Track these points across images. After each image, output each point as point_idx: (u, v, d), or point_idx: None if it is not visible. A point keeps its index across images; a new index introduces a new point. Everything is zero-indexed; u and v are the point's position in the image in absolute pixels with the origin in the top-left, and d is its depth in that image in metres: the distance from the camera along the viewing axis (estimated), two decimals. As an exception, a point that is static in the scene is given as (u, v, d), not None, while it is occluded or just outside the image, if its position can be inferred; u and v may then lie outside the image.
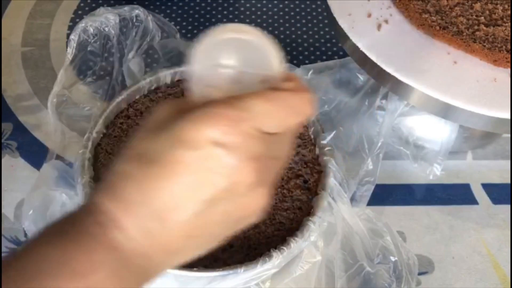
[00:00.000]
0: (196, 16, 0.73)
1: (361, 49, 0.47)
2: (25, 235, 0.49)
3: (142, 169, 0.24)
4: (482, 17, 0.48)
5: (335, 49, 0.69)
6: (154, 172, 0.24)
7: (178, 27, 0.69)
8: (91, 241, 0.24)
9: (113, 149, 0.48)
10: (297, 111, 0.26)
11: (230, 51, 0.27)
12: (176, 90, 0.53)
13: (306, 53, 0.68)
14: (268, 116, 0.25)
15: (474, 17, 0.48)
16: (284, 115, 0.26)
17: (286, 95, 0.26)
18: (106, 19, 0.58)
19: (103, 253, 0.24)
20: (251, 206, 0.26)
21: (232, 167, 0.24)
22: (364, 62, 0.47)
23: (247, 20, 0.72)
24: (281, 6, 0.75)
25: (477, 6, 0.49)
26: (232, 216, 0.26)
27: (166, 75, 0.53)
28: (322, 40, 0.70)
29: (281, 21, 0.73)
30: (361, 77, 0.58)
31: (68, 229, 0.25)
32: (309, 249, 0.44)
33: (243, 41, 0.26)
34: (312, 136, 0.50)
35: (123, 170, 0.25)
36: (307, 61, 0.67)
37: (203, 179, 0.24)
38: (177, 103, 0.27)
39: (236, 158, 0.24)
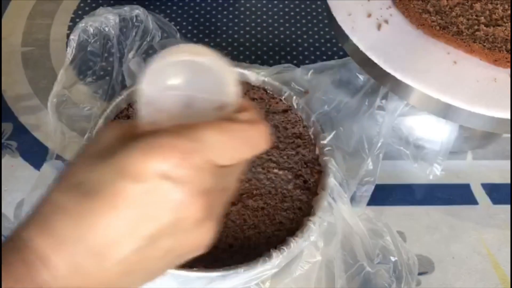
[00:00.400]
0: (196, 16, 0.73)
1: (361, 49, 0.47)
2: (25, 235, 0.49)
3: (78, 201, 0.22)
4: (482, 17, 0.48)
5: (335, 49, 0.69)
6: (92, 205, 0.22)
7: (178, 27, 0.69)
8: (16, 281, 0.22)
9: (113, 149, 0.48)
10: (252, 144, 0.25)
11: (184, 74, 0.25)
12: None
13: (306, 53, 0.68)
14: (221, 148, 0.23)
15: (474, 17, 0.48)
16: (238, 148, 0.24)
17: (242, 126, 0.24)
18: (106, 19, 0.58)
19: None
20: (196, 242, 0.25)
21: (179, 202, 0.23)
22: (364, 62, 0.47)
23: (247, 20, 0.72)
24: (281, 6, 0.75)
25: (477, 6, 0.49)
26: (175, 252, 0.24)
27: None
28: (322, 40, 0.70)
29: (281, 21, 0.73)
30: (361, 77, 0.58)
31: None
32: (309, 249, 0.44)
33: (198, 64, 0.24)
34: (312, 136, 0.50)
35: (58, 201, 0.23)
36: (307, 61, 0.67)
37: (146, 213, 0.22)
38: (124, 126, 0.25)
39: (184, 193, 0.22)
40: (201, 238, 0.25)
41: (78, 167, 0.24)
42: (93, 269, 0.23)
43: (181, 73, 0.25)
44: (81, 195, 0.22)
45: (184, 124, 0.23)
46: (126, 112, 0.51)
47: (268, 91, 0.54)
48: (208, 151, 0.23)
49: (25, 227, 0.23)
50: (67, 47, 0.58)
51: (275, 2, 0.76)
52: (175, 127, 0.23)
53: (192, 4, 0.74)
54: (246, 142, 0.24)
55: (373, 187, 0.50)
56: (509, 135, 0.59)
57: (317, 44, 0.69)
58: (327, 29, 0.71)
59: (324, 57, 0.68)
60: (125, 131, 0.24)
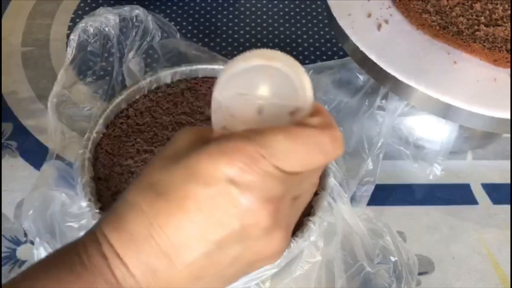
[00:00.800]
0: (196, 16, 0.73)
1: (361, 49, 0.47)
2: (25, 235, 0.49)
3: (151, 202, 0.23)
4: (482, 17, 0.48)
5: (335, 49, 0.69)
6: (163, 206, 0.23)
7: (178, 27, 0.69)
8: (91, 274, 0.23)
9: (113, 149, 0.48)
10: (323, 150, 0.23)
11: (257, 79, 0.24)
12: (176, 90, 0.53)
13: (306, 53, 0.68)
14: (291, 154, 0.23)
15: (474, 17, 0.48)
16: (308, 154, 0.23)
17: (313, 132, 0.23)
18: (106, 19, 0.58)
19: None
20: (265, 251, 0.24)
21: (246, 208, 0.22)
22: (364, 62, 0.47)
23: (247, 20, 0.72)
24: (281, 6, 0.75)
25: (477, 6, 0.49)
26: (244, 260, 0.24)
27: (166, 75, 0.53)
28: (322, 40, 0.70)
29: (281, 21, 0.73)
30: (361, 77, 0.58)
31: (68, 259, 0.23)
32: (309, 249, 0.44)
33: (271, 69, 0.24)
34: (312, 136, 0.50)
35: (132, 200, 0.24)
36: (307, 61, 0.67)
37: (214, 219, 0.22)
38: (198, 131, 0.25)
39: (251, 199, 0.22)
40: (270, 247, 0.24)
41: (153, 168, 0.24)
42: (163, 270, 0.23)
43: (254, 78, 0.24)
44: (154, 195, 0.23)
45: (255, 129, 0.23)
46: (126, 112, 0.51)
47: (268, 91, 0.54)
48: (276, 157, 0.22)
49: (103, 223, 0.24)
50: (67, 47, 0.58)
51: (275, 2, 0.76)
52: (245, 131, 0.23)
53: (192, 4, 0.74)
54: (317, 148, 0.23)
55: (373, 187, 0.50)
56: (509, 135, 0.59)
57: (317, 44, 0.69)
58: (327, 29, 0.71)
59: (324, 57, 0.68)
60: (199, 135, 0.25)
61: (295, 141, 0.23)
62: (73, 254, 0.23)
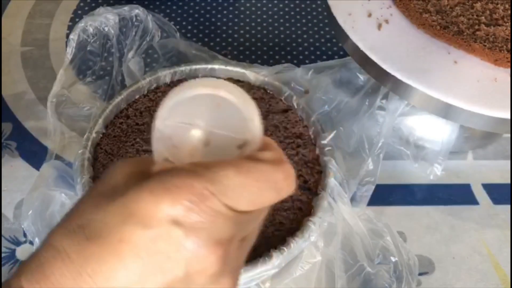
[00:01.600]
0: (196, 16, 0.73)
1: (361, 49, 0.47)
2: (25, 235, 0.49)
3: (80, 247, 0.20)
4: (483, 17, 0.48)
5: (335, 49, 0.69)
6: (94, 251, 0.20)
7: (177, 26, 0.69)
8: None
9: (112, 149, 0.48)
10: (277, 187, 0.22)
11: (203, 109, 0.23)
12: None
13: (306, 53, 0.68)
14: (241, 192, 0.21)
15: (474, 16, 0.48)
16: (260, 192, 0.21)
17: (265, 167, 0.21)
18: (106, 19, 0.58)
19: None
20: None
21: (192, 253, 0.20)
22: (365, 62, 0.47)
23: (247, 20, 0.72)
24: (281, 6, 0.75)
25: (478, 5, 0.49)
26: None
27: (165, 75, 0.53)
28: (322, 40, 0.70)
29: (281, 21, 0.73)
30: (361, 77, 0.58)
31: None
32: (309, 249, 0.44)
33: (218, 98, 0.22)
34: (312, 136, 0.50)
35: (57, 245, 0.20)
36: (307, 61, 0.67)
37: (154, 265, 0.20)
38: (137, 163, 0.23)
39: (197, 242, 0.20)
40: None
41: (83, 207, 0.21)
42: None
43: (200, 108, 0.23)
44: (83, 239, 0.20)
45: (201, 162, 0.21)
46: (126, 112, 0.51)
47: (268, 91, 0.54)
48: (224, 194, 0.20)
49: (20, 276, 0.21)
50: (66, 47, 0.58)
51: (275, 2, 0.75)
52: (191, 165, 0.21)
53: (192, 4, 0.74)
54: (270, 185, 0.22)
55: (373, 187, 0.50)
56: (509, 135, 0.59)
57: (317, 44, 0.69)
58: (327, 29, 0.71)
59: (324, 57, 0.68)
60: (138, 168, 0.22)
61: (246, 177, 0.21)
62: None
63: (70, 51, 0.57)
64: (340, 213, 0.46)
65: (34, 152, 0.56)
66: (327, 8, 0.51)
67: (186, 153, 0.23)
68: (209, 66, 0.54)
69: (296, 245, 0.42)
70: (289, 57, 0.67)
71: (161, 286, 0.20)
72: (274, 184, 0.22)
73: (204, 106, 0.23)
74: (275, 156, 0.22)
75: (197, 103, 0.23)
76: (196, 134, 0.23)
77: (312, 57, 0.68)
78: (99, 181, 0.23)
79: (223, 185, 0.20)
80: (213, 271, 0.20)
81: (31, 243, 0.47)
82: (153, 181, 0.20)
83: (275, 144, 0.23)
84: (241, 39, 0.69)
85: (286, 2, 0.76)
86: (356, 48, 0.47)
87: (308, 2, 0.76)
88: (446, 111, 0.44)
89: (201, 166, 0.21)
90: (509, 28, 0.47)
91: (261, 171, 0.21)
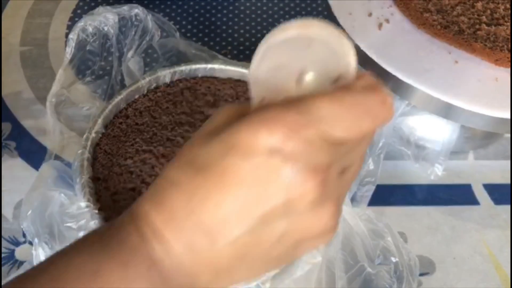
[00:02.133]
0: (196, 15, 0.72)
1: (361, 48, 0.46)
2: (24, 235, 0.49)
3: (191, 177, 0.22)
4: (484, 17, 0.48)
5: (335, 48, 0.68)
6: (203, 181, 0.21)
7: (177, 26, 0.69)
8: (129, 253, 0.22)
9: (112, 149, 0.47)
10: (372, 114, 0.22)
11: (296, 49, 0.23)
12: (176, 90, 0.52)
13: (306, 52, 0.68)
14: (336, 119, 0.21)
15: (475, 16, 0.48)
16: (356, 119, 0.21)
17: (358, 95, 0.22)
18: (105, 18, 0.57)
19: (141, 268, 0.22)
20: (314, 227, 0.22)
21: (291, 180, 0.21)
22: (365, 61, 0.47)
23: (247, 20, 0.72)
24: (281, 6, 0.75)
25: (479, 5, 0.48)
26: (291, 238, 0.22)
27: (165, 75, 0.53)
28: (322, 40, 0.70)
29: (281, 20, 0.72)
30: (362, 77, 0.58)
31: (106, 238, 0.23)
32: (309, 249, 0.44)
33: (310, 37, 0.23)
34: (312, 136, 0.50)
35: (171, 177, 0.23)
36: (307, 61, 0.66)
37: (257, 192, 0.21)
38: (237, 107, 0.24)
39: (295, 169, 0.21)
40: (319, 223, 0.22)
41: (193, 144, 0.23)
42: (205, 248, 0.22)
43: (292, 49, 0.23)
44: (193, 171, 0.22)
45: (294, 97, 0.22)
46: (125, 112, 0.51)
47: (268, 91, 0.54)
48: (320, 122, 0.21)
49: (142, 201, 0.23)
50: (66, 47, 0.58)
51: (275, 2, 0.75)
52: (286, 100, 0.22)
53: (191, 3, 0.74)
54: (364, 111, 0.22)
55: (374, 187, 0.50)
56: (510, 135, 0.59)
57: (317, 44, 0.69)
58: (327, 28, 0.71)
59: (324, 57, 0.67)
60: (239, 111, 0.24)
61: (340, 105, 0.21)
62: (110, 233, 0.23)
63: (69, 51, 0.57)
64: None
65: (33, 152, 0.55)
66: (328, 8, 0.51)
67: (281, 93, 0.23)
68: (209, 65, 0.54)
69: (297, 245, 0.41)
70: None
71: (265, 212, 0.21)
72: (368, 110, 0.22)
73: (296, 47, 0.23)
74: (368, 83, 0.22)
75: (288, 46, 0.23)
76: (290, 74, 0.23)
77: (312, 56, 0.67)
78: (205, 123, 0.24)
79: (317, 115, 0.21)
80: (312, 197, 0.21)
81: (31, 243, 0.47)
82: (250, 116, 0.21)
83: (370, 75, 0.23)
84: (241, 39, 0.69)
85: (286, 2, 0.75)
86: (357, 47, 0.47)
87: (308, 2, 0.75)
88: (446, 111, 0.44)
89: (295, 100, 0.21)
90: (510, 28, 0.47)
91: (354, 98, 0.21)
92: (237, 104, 0.25)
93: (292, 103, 0.21)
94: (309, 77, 0.23)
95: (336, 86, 0.23)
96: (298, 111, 0.21)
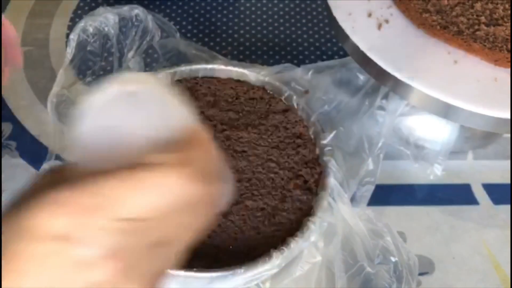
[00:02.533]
0: (196, 16, 0.72)
1: (361, 48, 0.47)
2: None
3: None
4: (483, 17, 0.48)
5: (335, 49, 0.69)
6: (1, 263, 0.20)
7: (177, 26, 0.69)
8: None
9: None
10: (165, 190, 0.21)
11: (124, 110, 0.21)
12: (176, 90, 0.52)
13: (306, 53, 0.68)
14: (126, 200, 0.20)
15: (474, 16, 0.48)
16: (146, 197, 0.21)
17: (154, 173, 0.21)
18: (106, 19, 0.57)
19: None
20: None
21: (86, 267, 0.20)
22: (365, 61, 0.47)
23: (247, 20, 0.72)
24: (281, 6, 0.75)
25: (478, 5, 0.49)
26: None
27: (165, 75, 0.53)
28: (322, 40, 0.70)
29: (281, 21, 0.72)
30: (362, 77, 0.58)
31: None
32: (309, 249, 0.44)
33: (134, 94, 0.21)
34: (312, 136, 0.50)
35: None
36: (307, 61, 0.66)
37: (53, 278, 0.19)
38: (56, 173, 0.22)
39: (90, 256, 0.19)
40: None
41: (4, 214, 0.21)
42: None
43: (120, 109, 0.21)
44: None
45: (90, 175, 0.21)
46: (126, 112, 0.51)
47: (268, 91, 0.54)
48: (113, 205, 0.20)
49: None
50: (66, 47, 0.58)
51: (275, 2, 0.75)
52: (86, 177, 0.20)
53: (192, 3, 0.74)
54: (157, 190, 0.21)
55: (373, 187, 0.50)
56: (509, 135, 0.59)
57: (317, 44, 0.69)
58: (327, 29, 0.71)
59: (324, 57, 0.67)
60: (55, 177, 0.22)
61: (131, 185, 0.20)
62: None
63: (70, 51, 0.57)
64: (340, 213, 0.46)
65: (34, 152, 0.56)
66: (327, 8, 0.51)
67: (100, 157, 0.22)
68: (209, 66, 0.54)
69: (296, 245, 0.42)
70: (289, 57, 0.67)
71: None
72: (162, 188, 0.21)
73: (124, 107, 0.21)
74: (174, 159, 0.21)
75: (114, 105, 0.21)
76: (117, 136, 0.22)
77: (312, 57, 0.67)
78: (22, 190, 0.22)
79: (107, 196, 0.20)
80: (114, 282, 0.20)
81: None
82: (45, 197, 0.20)
83: (202, 135, 0.23)
84: (241, 39, 0.69)
85: (286, 2, 0.75)
86: (356, 48, 0.47)
87: (308, 2, 0.76)
88: (446, 111, 0.44)
89: (92, 177, 0.20)
90: (509, 28, 0.47)
91: (147, 177, 0.21)
92: (55, 170, 0.23)
93: (89, 182, 0.20)
94: (133, 139, 0.22)
95: (170, 147, 0.22)
96: (91, 193, 0.20)
